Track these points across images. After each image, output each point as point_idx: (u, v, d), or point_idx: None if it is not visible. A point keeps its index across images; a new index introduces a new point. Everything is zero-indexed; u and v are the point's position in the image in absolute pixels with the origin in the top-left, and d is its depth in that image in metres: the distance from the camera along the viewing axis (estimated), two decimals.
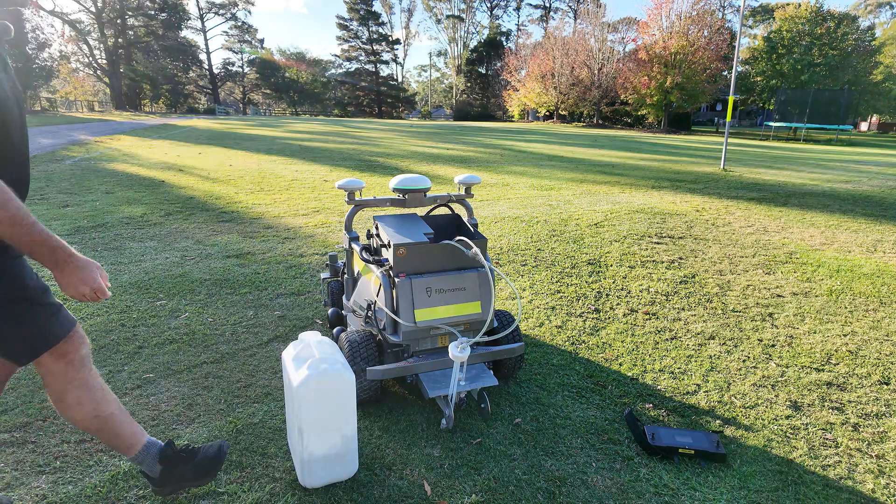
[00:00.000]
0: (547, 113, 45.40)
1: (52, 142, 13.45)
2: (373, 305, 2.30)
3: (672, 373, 2.69)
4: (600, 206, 6.89)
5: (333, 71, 63.34)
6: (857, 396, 2.52)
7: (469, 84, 61.82)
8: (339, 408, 1.77)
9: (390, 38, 64.03)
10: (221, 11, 56.87)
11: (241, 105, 61.70)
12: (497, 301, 3.58)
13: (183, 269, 3.96)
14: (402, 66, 72.49)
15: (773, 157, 15.82)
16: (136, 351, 2.71)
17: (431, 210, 2.64)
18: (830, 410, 2.40)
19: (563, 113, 42.92)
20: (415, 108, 66.14)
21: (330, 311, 2.84)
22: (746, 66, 37.63)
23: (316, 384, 1.72)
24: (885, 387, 2.62)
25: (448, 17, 65.60)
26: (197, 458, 1.75)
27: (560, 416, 2.28)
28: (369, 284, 2.39)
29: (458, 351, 1.98)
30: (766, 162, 13.87)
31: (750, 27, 49.69)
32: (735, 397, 2.48)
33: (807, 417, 2.34)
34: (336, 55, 65.12)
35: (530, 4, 64.16)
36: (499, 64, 55.18)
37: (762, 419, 2.31)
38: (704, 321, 3.35)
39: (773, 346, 3.03)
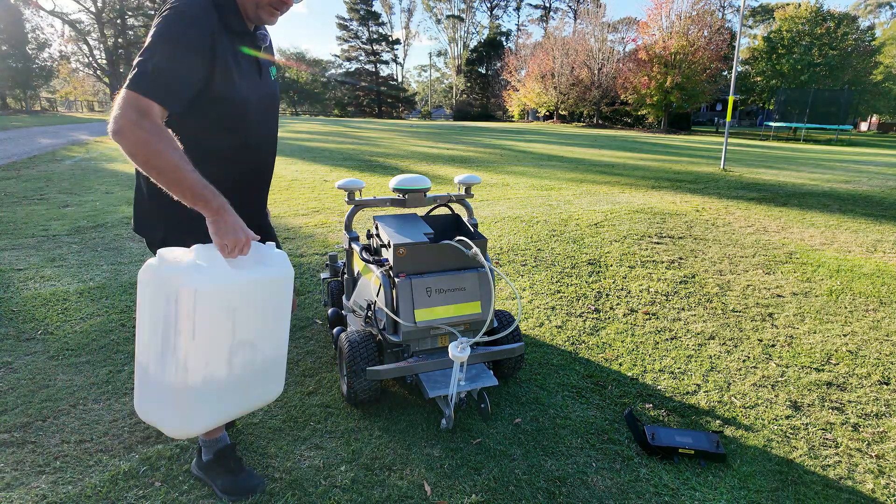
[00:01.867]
0: (547, 113, 45.39)
1: (52, 142, 13.46)
2: (373, 305, 2.30)
3: (672, 373, 2.69)
4: (600, 206, 6.89)
5: (333, 71, 63.35)
6: (857, 396, 2.52)
7: (469, 84, 61.81)
8: (279, 305, 1.51)
9: (390, 38, 64.03)
10: None
11: None
12: (497, 301, 3.58)
13: None
14: (402, 66, 72.61)
15: (773, 157, 15.83)
16: None
17: (431, 210, 2.64)
18: (830, 410, 2.40)
19: (563, 113, 42.91)
20: (415, 108, 66.13)
21: (330, 311, 2.84)
22: (746, 66, 37.63)
23: (264, 284, 1.40)
24: (885, 387, 2.62)
25: (448, 17, 65.62)
26: (238, 475, 1.77)
27: (560, 416, 2.28)
28: (369, 284, 2.39)
29: (458, 351, 1.98)
30: (766, 162, 13.88)
31: (750, 27, 49.69)
32: (735, 397, 2.48)
33: (807, 417, 2.34)
34: (336, 55, 65.12)
35: (530, 4, 64.20)
36: (499, 64, 55.18)
37: (762, 419, 2.31)
38: (704, 321, 3.35)
39: (773, 346, 3.03)
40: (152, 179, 1.32)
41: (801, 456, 2.08)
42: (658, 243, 5.13)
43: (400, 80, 69.14)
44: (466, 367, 2.21)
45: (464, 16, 65.28)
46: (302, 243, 4.78)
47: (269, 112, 1.64)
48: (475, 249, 2.18)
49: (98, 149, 12.21)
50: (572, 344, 2.99)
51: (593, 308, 3.51)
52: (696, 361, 2.82)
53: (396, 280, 2.14)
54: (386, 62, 64.86)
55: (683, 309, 3.54)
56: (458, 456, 2.00)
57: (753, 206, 7.22)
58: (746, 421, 2.30)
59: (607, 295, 3.75)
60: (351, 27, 61.81)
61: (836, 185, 9.60)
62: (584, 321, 3.29)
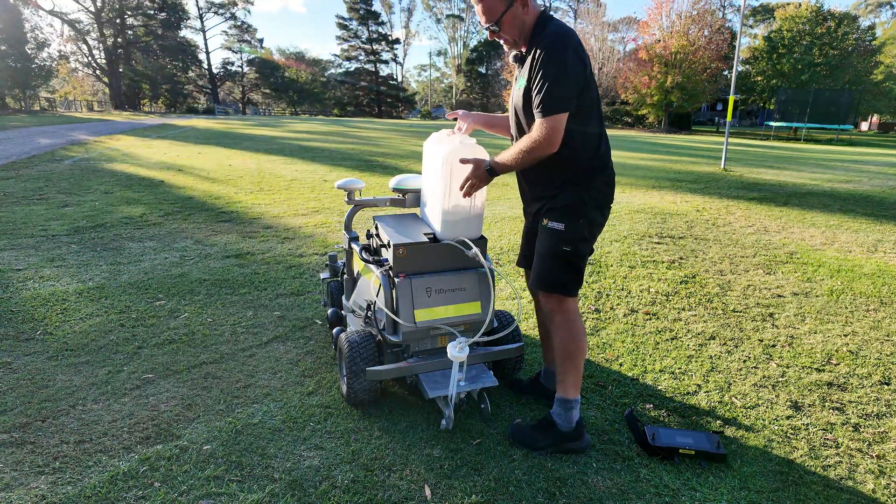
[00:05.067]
0: None
1: (52, 142, 13.45)
2: (372, 306, 2.30)
3: (672, 373, 2.69)
4: None
5: (333, 71, 63.33)
6: (858, 397, 2.52)
7: (469, 84, 61.78)
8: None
9: (390, 38, 64.00)
10: (221, 11, 56.88)
11: (240, 105, 61.69)
12: (497, 301, 3.57)
13: (182, 270, 3.95)
14: (402, 65, 72.50)
15: (774, 156, 15.82)
16: (136, 351, 2.71)
17: None
18: (831, 411, 2.40)
19: None
20: (415, 108, 66.16)
21: (329, 312, 2.83)
22: (747, 66, 37.63)
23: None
24: (886, 387, 2.61)
25: (448, 16, 65.63)
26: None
27: None
28: (369, 284, 2.38)
29: (457, 351, 1.97)
30: (767, 162, 13.87)
31: (750, 27, 49.69)
32: (735, 398, 2.48)
33: (807, 418, 2.34)
34: (336, 55, 65.15)
35: None
36: (499, 64, 55.15)
37: (763, 419, 2.31)
38: (705, 321, 3.34)
39: (773, 346, 3.03)
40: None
41: (801, 456, 2.08)
42: (658, 243, 5.12)
43: (400, 79, 69.15)
44: (466, 367, 2.21)
45: (464, 15, 65.27)
46: (301, 243, 4.78)
47: (513, 113, 2.07)
48: (475, 250, 2.17)
49: (97, 149, 12.21)
50: None
51: (593, 308, 3.50)
52: (696, 362, 2.82)
53: (396, 280, 2.13)
54: (386, 62, 64.85)
55: (684, 309, 3.54)
56: (459, 456, 1.99)
57: (754, 206, 7.22)
58: (747, 421, 2.30)
59: (607, 295, 3.74)
60: (351, 27, 61.80)
61: (836, 185, 9.60)
62: (585, 321, 3.28)
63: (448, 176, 2.08)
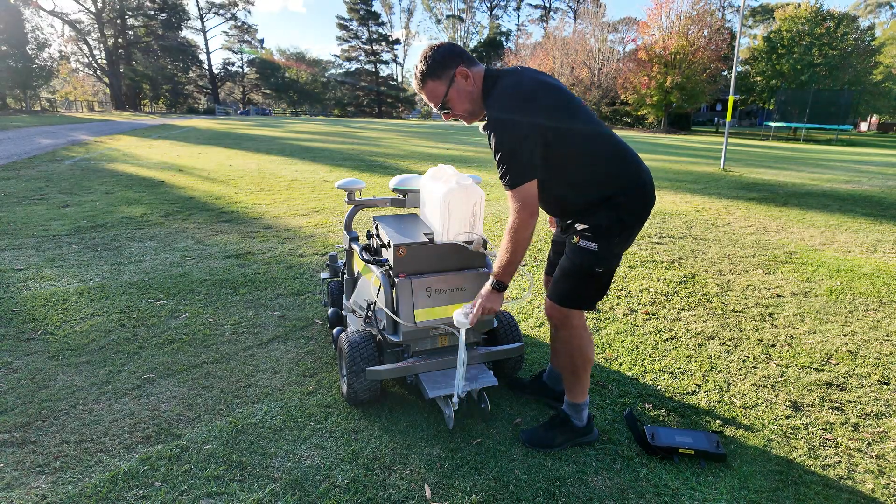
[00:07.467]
0: None
1: (52, 142, 13.46)
2: (373, 306, 2.30)
3: (672, 373, 2.69)
4: None
5: (333, 71, 63.36)
6: (857, 396, 2.52)
7: None
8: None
9: (390, 38, 64.09)
10: (221, 11, 56.98)
11: (240, 105, 61.68)
12: None
13: (183, 270, 3.96)
14: (402, 66, 72.50)
15: (773, 157, 15.83)
16: (136, 351, 2.71)
17: None
18: (830, 410, 2.40)
19: None
20: (415, 108, 66.16)
21: (330, 312, 2.84)
22: (746, 66, 37.64)
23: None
24: (885, 387, 2.62)
25: (448, 17, 65.61)
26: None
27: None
28: (369, 284, 2.39)
29: (465, 317, 1.90)
30: (766, 162, 13.88)
31: (750, 27, 49.71)
32: (735, 397, 2.48)
33: (807, 417, 2.34)
34: (336, 55, 65.20)
35: (530, 4, 64.20)
36: (499, 64, 55.20)
37: (762, 419, 2.31)
38: (704, 321, 3.35)
39: (772, 346, 3.03)
40: None
41: (801, 456, 2.08)
42: (658, 243, 5.13)
43: (400, 80, 69.15)
44: (466, 367, 2.21)
45: (464, 16, 65.29)
46: (302, 243, 4.78)
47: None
48: (476, 243, 2.18)
49: (98, 149, 12.22)
50: None
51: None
52: (695, 361, 2.82)
53: (396, 280, 2.13)
54: (386, 62, 64.91)
55: (683, 309, 3.54)
56: (459, 456, 2.00)
57: (753, 206, 7.22)
58: (746, 421, 2.30)
59: (607, 295, 3.75)
60: (351, 27, 61.87)
61: (836, 185, 9.60)
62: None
63: (446, 215, 2.12)
